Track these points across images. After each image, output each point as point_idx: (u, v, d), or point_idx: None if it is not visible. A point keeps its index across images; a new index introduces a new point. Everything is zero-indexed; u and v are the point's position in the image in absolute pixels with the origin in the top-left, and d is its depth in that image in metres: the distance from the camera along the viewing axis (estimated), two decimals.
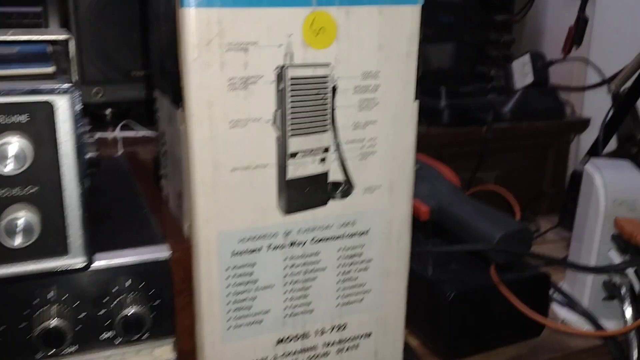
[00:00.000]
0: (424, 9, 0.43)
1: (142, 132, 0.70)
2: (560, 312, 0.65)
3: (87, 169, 0.43)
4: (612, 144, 0.83)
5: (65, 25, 0.77)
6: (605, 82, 0.86)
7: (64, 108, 0.33)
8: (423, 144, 0.81)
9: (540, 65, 0.89)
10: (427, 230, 0.65)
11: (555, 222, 0.86)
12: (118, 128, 0.70)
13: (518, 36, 1.09)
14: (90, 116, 0.83)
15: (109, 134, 0.71)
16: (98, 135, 0.73)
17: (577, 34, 0.96)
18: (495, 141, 0.85)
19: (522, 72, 0.90)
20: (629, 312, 0.56)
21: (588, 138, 0.92)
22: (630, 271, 0.57)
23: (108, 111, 0.83)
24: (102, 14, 0.78)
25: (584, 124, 0.93)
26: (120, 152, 0.68)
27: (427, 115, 0.84)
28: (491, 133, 0.82)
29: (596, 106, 0.93)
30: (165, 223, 0.44)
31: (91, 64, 0.78)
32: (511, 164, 0.90)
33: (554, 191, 0.91)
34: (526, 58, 0.89)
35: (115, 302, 0.39)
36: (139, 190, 0.51)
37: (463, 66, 1.01)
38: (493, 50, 1.01)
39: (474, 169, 0.84)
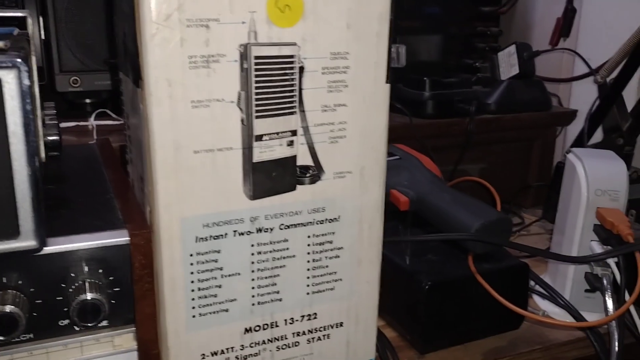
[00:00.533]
0: None
1: (117, 121, 0.69)
2: (542, 304, 0.63)
3: (46, 151, 0.42)
4: (599, 136, 0.82)
5: (43, 13, 0.76)
6: (591, 73, 0.85)
7: (11, 84, 0.32)
8: (406, 135, 0.81)
9: (526, 56, 0.87)
10: (406, 221, 0.63)
11: (540, 215, 0.85)
12: (93, 116, 0.69)
13: (507, 28, 1.08)
14: (69, 105, 0.83)
15: (86, 123, 0.70)
16: (75, 123, 0.72)
17: (564, 25, 0.95)
18: (480, 133, 0.84)
19: (507, 63, 0.88)
20: (610, 303, 0.55)
21: (575, 130, 0.91)
22: (612, 262, 0.56)
23: (88, 100, 0.82)
24: (81, 3, 0.76)
25: (570, 116, 0.92)
26: (94, 139, 0.66)
27: (410, 107, 0.83)
28: (474, 125, 0.81)
29: (584, 98, 0.92)
30: (128, 208, 0.43)
31: (69, 53, 0.77)
32: (497, 157, 0.89)
33: (539, 184, 0.90)
34: (512, 49, 0.88)
35: (72, 288, 0.38)
36: (106, 176, 0.50)
37: (450, 58, 0.99)
38: (480, 42, 1.00)
39: (457, 160, 0.83)
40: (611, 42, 0.82)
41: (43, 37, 0.77)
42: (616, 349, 0.53)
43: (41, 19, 0.76)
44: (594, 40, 0.92)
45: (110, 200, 0.45)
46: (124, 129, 0.50)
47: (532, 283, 0.65)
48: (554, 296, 0.62)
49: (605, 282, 0.56)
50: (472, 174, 0.87)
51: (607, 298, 0.56)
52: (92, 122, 0.69)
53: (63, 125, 0.71)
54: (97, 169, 0.52)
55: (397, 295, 0.57)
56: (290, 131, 0.41)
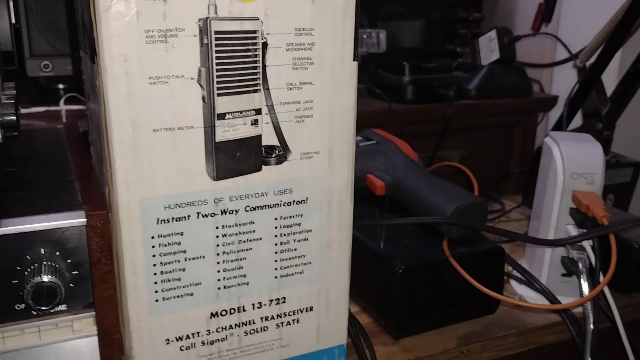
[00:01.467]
0: None
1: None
2: (519, 289, 0.63)
3: (3, 132, 0.40)
4: (579, 121, 0.81)
5: None
6: (571, 58, 0.84)
7: None
8: (385, 121, 0.80)
9: (507, 41, 0.87)
10: (383, 206, 0.63)
11: (521, 202, 0.85)
12: (62, 100, 0.67)
13: (490, 13, 1.07)
14: (41, 90, 0.81)
15: (57, 108, 0.68)
16: (45, 108, 0.70)
17: (546, 10, 0.94)
18: (461, 119, 0.83)
19: (488, 49, 0.88)
20: (585, 286, 0.55)
21: (556, 116, 0.90)
22: (587, 245, 0.56)
23: (60, 85, 0.80)
24: None
25: (551, 101, 0.92)
26: (63, 124, 0.65)
27: (390, 92, 0.82)
28: (453, 110, 0.80)
29: (565, 83, 0.91)
30: (89, 190, 0.42)
31: (40, 37, 0.75)
32: (477, 143, 0.88)
33: (520, 170, 0.89)
34: (492, 34, 0.87)
35: (28, 270, 0.37)
36: (70, 159, 0.49)
37: (431, 44, 0.99)
38: (462, 28, 0.99)
39: (436, 146, 0.83)
40: (592, 26, 0.81)
41: (13, 21, 0.75)
42: (590, 331, 0.53)
43: (11, 3, 0.74)
44: (575, 25, 0.92)
45: (71, 182, 0.44)
46: (85, 110, 0.48)
47: (510, 268, 0.64)
48: (530, 281, 0.61)
49: (580, 265, 0.56)
50: (452, 160, 0.87)
51: (582, 281, 0.55)
52: (62, 107, 0.67)
53: (33, 110, 0.69)
54: (61, 152, 0.51)
55: (371, 280, 0.57)
56: (254, 109, 0.40)
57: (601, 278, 0.54)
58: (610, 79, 0.79)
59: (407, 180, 0.60)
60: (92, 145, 0.48)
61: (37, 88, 0.81)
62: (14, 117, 0.41)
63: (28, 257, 0.37)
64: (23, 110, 0.69)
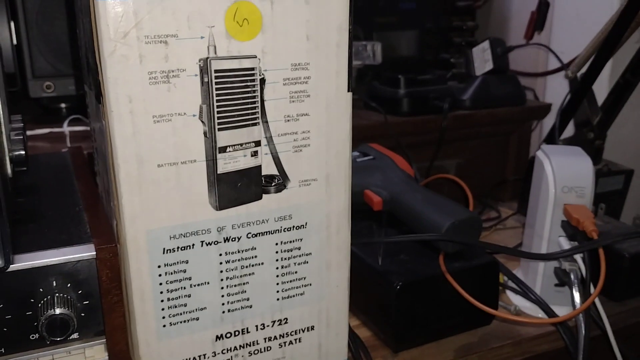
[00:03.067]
0: None
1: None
2: (514, 299, 0.65)
3: (12, 167, 0.42)
4: (572, 130, 0.83)
5: (14, 17, 0.76)
6: (563, 67, 0.86)
7: None
8: (381, 133, 0.82)
9: (500, 52, 0.88)
10: (380, 221, 0.64)
11: (516, 209, 0.86)
12: (66, 122, 0.69)
13: (484, 22, 1.09)
14: (44, 110, 0.83)
15: (61, 129, 0.70)
16: (49, 130, 0.72)
17: (538, 19, 0.96)
18: (456, 129, 0.85)
19: (482, 59, 0.89)
20: (577, 297, 0.57)
21: (551, 124, 0.92)
22: (578, 257, 0.58)
23: (63, 105, 0.82)
24: (52, 7, 0.76)
25: (545, 109, 0.93)
26: (67, 147, 0.66)
27: (385, 104, 0.83)
28: (448, 121, 0.82)
29: (558, 92, 0.93)
30: (97, 221, 0.43)
31: (42, 58, 0.77)
32: (473, 152, 0.90)
33: (516, 178, 0.91)
34: (485, 45, 0.89)
35: (41, 303, 0.39)
36: (76, 187, 0.50)
37: (426, 54, 1.00)
38: (456, 37, 1.00)
39: (432, 157, 0.84)
40: (584, 35, 0.83)
41: (15, 42, 0.76)
42: (582, 341, 0.55)
43: (12, 24, 0.76)
44: (567, 34, 0.93)
45: (79, 213, 0.45)
46: (91, 141, 0.50)
47: (505, 279, 0.66)
48: (525, 291, 0.63)
49: (572, 276, 0.58)
50: (449, 170, 0.89)
51: (574, 292, 0.57)
52: (65, 128, 0.69)
53: (37, 132, 0.71)
54: (67, 179, 0.53)
55: (371, 295, 0.58)
56: (253, 142, 0.42)
57: (592, 289, 0.55)
58: (602, 88, 0.81)
59: (404, 195, 0.62)
60: (98, 175, 0.49)
61: (40, 108, 0.83)
62: (23, 152, 0.43)
63: (41, 289, 0.39)
64: (27, 133, 0.71)
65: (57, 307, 0.38)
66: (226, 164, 0.41)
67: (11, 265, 0.37)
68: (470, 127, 0.87)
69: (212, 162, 0.41)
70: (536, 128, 0.96)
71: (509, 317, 0.56)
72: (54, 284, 0.39)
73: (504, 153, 0.93)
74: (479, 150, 0.90)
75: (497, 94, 0.88)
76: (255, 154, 0.42)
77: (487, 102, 0.87)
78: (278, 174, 0.43)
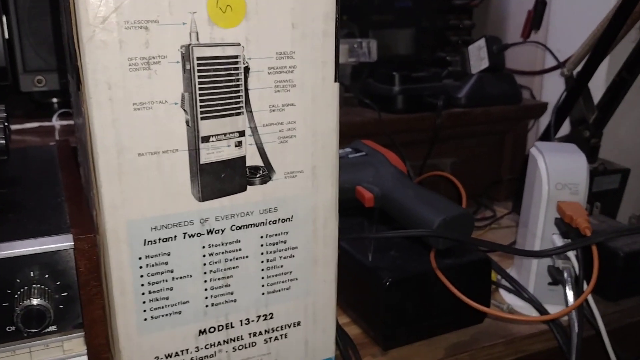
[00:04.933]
0: None
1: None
2: (507, 298, 0.64)
3: None
4: (567, 128, 0.82)
5: (5, 12, 0.75)
6: (560, 65, 0.85)
7: None
8: (375, 131, 0.81)
9: (496, 50, 0.87)
10: (372, 217, 0.63)
11: (511, 208, 0.86)
12: (55, 116, 0.68)
13: (481, 21, 1.08)
14: (36, 105, 0.82)
15: (51, 123, 0.69)
16: (38, 124, 0.71)
17: (535, 17, 0.95)
18: (451, 127, 0.84)
19: (477, 57, 0.88)
20: (570, 295, 0.56)
21: (547, 123, 0.91)
22: (572, 255, 0.57)
23: (54, 100, 0.81)
24: (43, 2, 0.75)
25: (541, 108, 0.92)
26: (56, 140, 0.66)
27: (380, 102, 0.82)
28: (442, 119, 0.81)
29: (555, 91, 0.92)
30: (77, 212, 0.43)
31: (33, 52, 0.76)
32: (468, 151, 0.89)
33: (511, 177, 0.90)
34: (481, 42, 0.88)
35: (18, 293, 0.38)
36: (60, 179, 0.50)
37: (422, 52, 0.99)
38: (453, 36, 1.00)
39: (426, 155, 0.83)
40: (581, 34, 0.82)
41: (6, 36, 0.76)
42: (575, 339, 0.54)
43: (4, 18, 0.75)
44: (563, 33, 0.93)
45: (61, 204, 0.44)
46: (75, 131, 0.49)
47: (498, 277, 0.65)
48: (518, 290, 0.62)
49: (566, 274, 0.57)
50: (443, 169, 0.88)
51: (567, 290, 0.56)
52: (54, 122, 0.68)
53: (26, 126, 0.70)
54: (52, 171, 0.52)
55: (360, 292, 0.58)
56: (237, 132, 0.41)
57: (585, 287, 0.54)
58: (598, 87, 0.80)
59: (395, 192, 0.61)
60: (81, 166, 0.49)
61: (31, 102, 0.82)
62: (4, 142, 0.42)
63: (18, 280, 0.38)
64: (16, 126, 0.70)
65: (34, 298, 0.37)
66: (209, 154, 0.41)
67: None
68: (465, 126, 0.86)
69: (194, 152, 0.40)
70: (532, 127, 0.95)
71: (500, 314, 0.56)
72: (32, 275, 0.38)
73: (499, 152, 0.92)
74: (474, 150, 0.90)
75: (493, 92, 0.87)
76: (239, 144, 0.41)
77: (483, 100, 0.86)
78: (263, 165, 0.43)
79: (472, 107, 0.85)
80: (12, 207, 0.44)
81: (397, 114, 0.82)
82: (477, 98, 0.86)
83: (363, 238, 0.59)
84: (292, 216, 0.45)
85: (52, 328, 0.39)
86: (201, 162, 0.41)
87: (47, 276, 0.39)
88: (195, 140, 0.40)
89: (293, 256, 0.46)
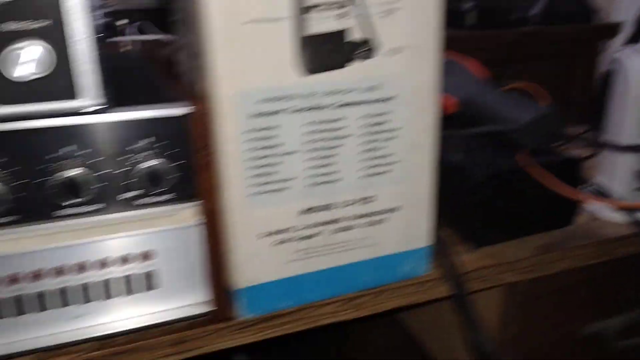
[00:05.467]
0: None
1: (154, 36, 0.68)
2: (592, 205, 0.62)
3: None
4: None
5: None
6: None
7: None
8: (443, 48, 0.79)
9: None
10: (456, 124, 0.62)
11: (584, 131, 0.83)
12: (130, 28, 0.68)
13: None
14: (106, 26, 0.82)
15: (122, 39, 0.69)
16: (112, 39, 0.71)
17: None
18: (521, 46, 0.82)
19: None
20: None
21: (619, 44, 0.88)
22: None
23: (124, 21, 0.81)
24: None
25: (614, 28, 0.89)
26: None
27: (448, 18, 0.80)
28: (515, 36, 0.79)
29: (630, 10, 0.88)
30: (181, 89, 0.43)
31: None
32: (537, 73, 0.87)
33: (583, 100, 0.88)
34: None
35: (134, 159, 0.38)
36: (152, 69, 0.50)
37: None
38: None
39: (496, 75, 0.81)
40: None
41: None
42: None
43: None
44: None
45: (163, 84, 0.45)
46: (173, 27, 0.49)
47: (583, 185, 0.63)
48: (605, 195, 0.61)
49: None
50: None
51: None
52: (129, 36, 0.68)
53: None
54: (141, 64, 0.52)
55: (449, 191, 0.57)
56: (341, 2, 0.40)
57: None
58: None
59: (480, 96, 0.60)
60: (179, 51, 0.48)
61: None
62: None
63: (133, 145, 0.38)
64: None
65: (151, 161, 0.37)
66: (312, 25, 0.40)
67: (109, 115, 0.36)
68: (535, 46, 0.84)
69: (298, 22, 0.39)
70: (605, 51, 0.92)
71: (595, 200, 0.54)
72: (148, 140, 0.38)
73: (571, 75, 0.90)
74: (543, 72, 0.87)
75: (566, 10, 0.84)
76: (343, 15, 0.41)
77: (555, 18, 0.83)
78: (366, 38, 0.42)
79: (544, 25, 0.83)
80: (118, 83, 0.43)
81: (466, 30, 0.80)
82: (549, 15, 0.83)
83: (452, 137, 0.58)
84: (394, 95, 0.44)
85: (166, 197, 0.40)
86: (304, 34, 0.40)
87: (161, 142, 0.39)
88: (299, 10, 0.39)
89: (394, 138, 0.45)
